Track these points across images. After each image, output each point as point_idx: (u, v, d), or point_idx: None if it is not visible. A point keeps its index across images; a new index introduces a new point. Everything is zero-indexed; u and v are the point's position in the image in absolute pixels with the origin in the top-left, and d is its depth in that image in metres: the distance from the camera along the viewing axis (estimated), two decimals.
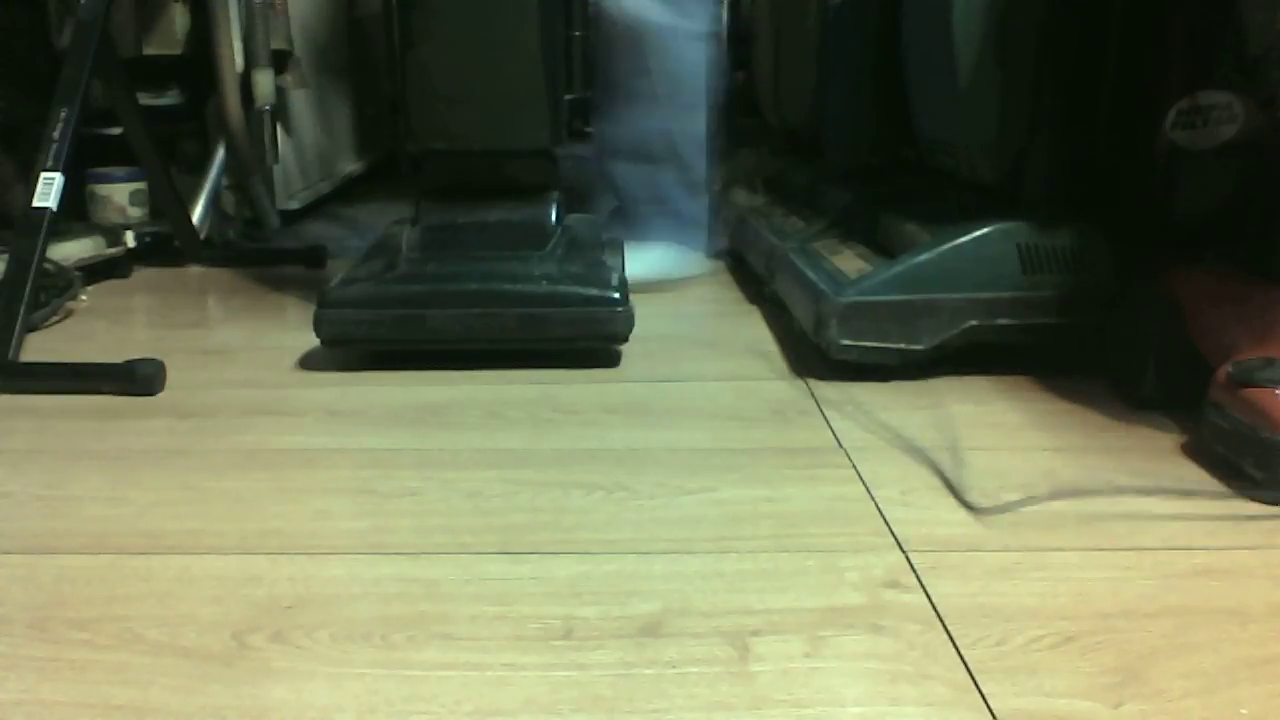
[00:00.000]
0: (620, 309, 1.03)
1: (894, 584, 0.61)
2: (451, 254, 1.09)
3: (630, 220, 1.51)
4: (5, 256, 1.12)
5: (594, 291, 1.04)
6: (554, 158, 1.17)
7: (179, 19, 1.61)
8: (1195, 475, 0.77)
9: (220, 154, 1.56)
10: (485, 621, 0.57)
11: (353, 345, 1.05)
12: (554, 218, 1.15)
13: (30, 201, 1.14)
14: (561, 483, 0.76)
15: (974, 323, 0.96)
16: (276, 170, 1.78)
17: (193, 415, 0.91)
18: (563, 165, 1.19)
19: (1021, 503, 0.71)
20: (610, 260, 1.14)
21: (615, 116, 1.47)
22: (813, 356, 1.03)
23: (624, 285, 1.07)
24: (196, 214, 1.55)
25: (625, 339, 1.05)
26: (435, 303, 1.03)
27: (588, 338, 1.04)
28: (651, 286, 1.37)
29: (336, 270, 1.52)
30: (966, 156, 1.06)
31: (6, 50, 1.55)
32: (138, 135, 1.41)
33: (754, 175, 1.74)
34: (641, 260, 1.38)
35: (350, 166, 2.28)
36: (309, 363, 1.06)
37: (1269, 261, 0.86)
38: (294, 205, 1.88)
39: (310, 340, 1.09)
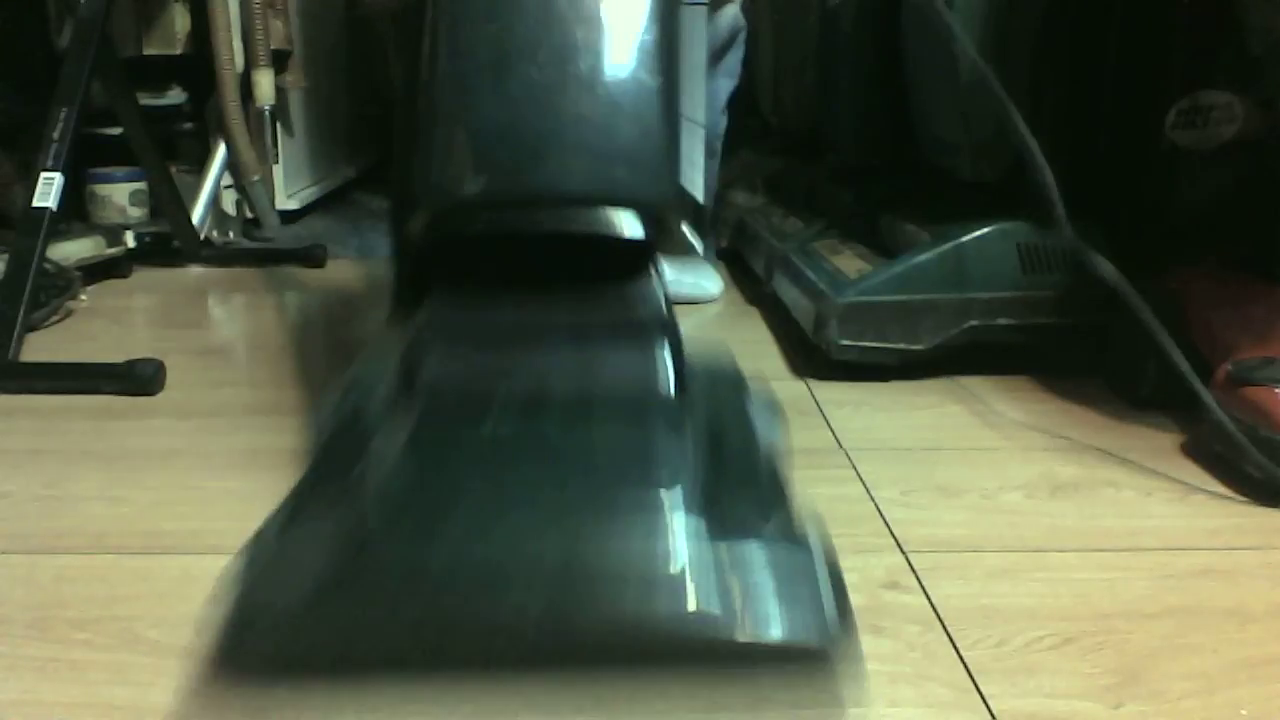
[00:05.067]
0: (842, 658, 0.44)
1: (894, 585, 0.61)
2: (479, 521, 0.47)
3: None
4: (5, 256, 1.12)
5: (795, 640, 0.44)
6: (656, 257, 0.64)
7: (179, 19, 1.61)
8: (1195, 475, 0.77)
9: (220, 154, 1.56)
10: None
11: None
12: (681, 390, 0.55)
13: (30, 201, 1.14)
14: None
15: (974, 323, 0.96)
16: (276, 170, 1.78)
17: (193, 415, 0.91)
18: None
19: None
20: (790, 494, 0.53)
21: None
22: (813, 356, 1.03)
23: (845, 596, 0.46)
24: (196, 214, 1.55)
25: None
26: (449, 652, 0.46)
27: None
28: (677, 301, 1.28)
29: (337, 271, 1.52)
30: (967, 156, 1.06)
31: (6, 50, 1.54)
32: (138, 135, 1.41)
33: (754, 175, 1.74)
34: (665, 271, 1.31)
35: (350, 166, 2.28)
36: (309, 363, 1.06)
37: (1269, 261, 0.86)
38: (294, 205, 1.88)
39: (310, 340, 1.09)
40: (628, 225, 0.63)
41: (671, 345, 0.57)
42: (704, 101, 0.70)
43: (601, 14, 0.60)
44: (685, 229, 0.64)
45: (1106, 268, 0.79)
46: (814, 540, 0.49)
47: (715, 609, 0.44)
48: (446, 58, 0.61)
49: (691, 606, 0.44)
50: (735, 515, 0.48)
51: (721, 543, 0.46)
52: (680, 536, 0.46)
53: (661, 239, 0.63)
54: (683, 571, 0.44)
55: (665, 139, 0.60)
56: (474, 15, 0.60)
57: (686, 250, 0.68)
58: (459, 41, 0.61)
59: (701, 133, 0.69)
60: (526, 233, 0.62)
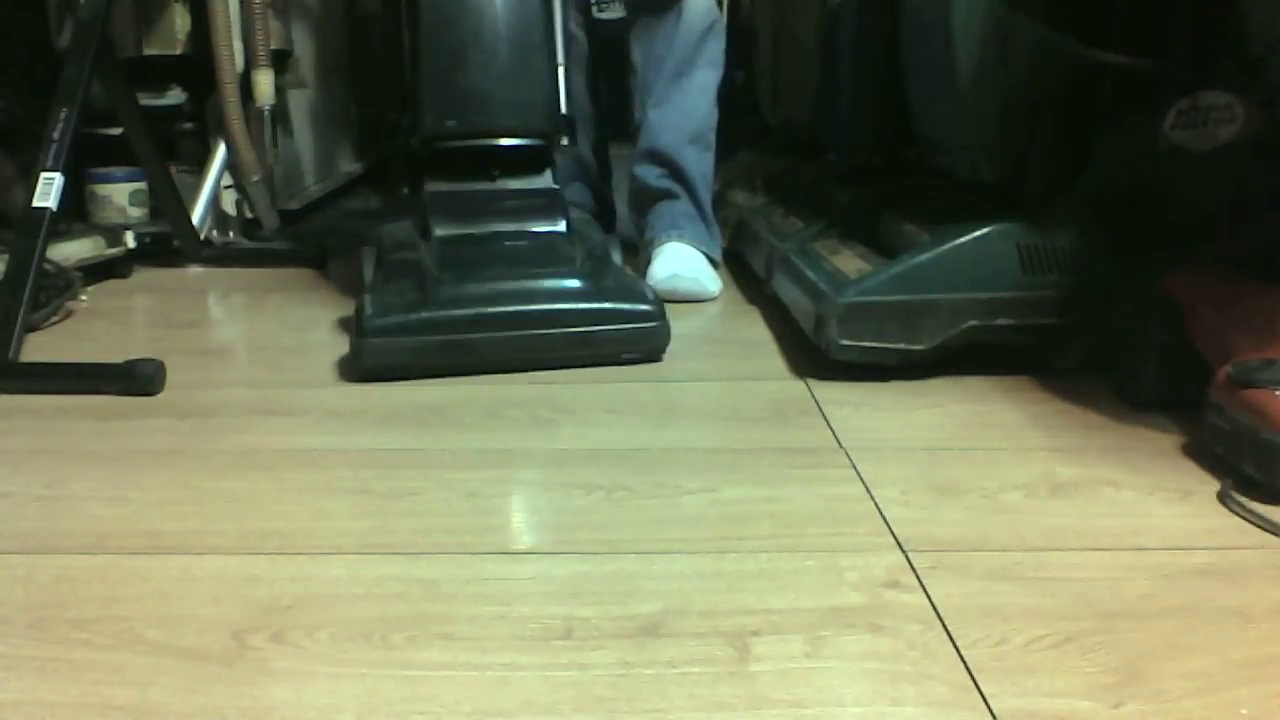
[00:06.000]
0: (661, 322, 1.05)
1: (894, 584, 0.61)
2: (484, 273, 1.05)
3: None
4: (5, 256, 1.12)
5: (637, 307, 1.05)
6: (555, 158, 1.17)
7: (179, 19, 1.61)
8: (1195, 475, 0.77)
9: (220, 154, 1.56)
10: (485, 621, 0.57)
11: (395, 375, 0.99)
12: (570, 228, 1.14)
13: (30, 201, 1.14)
14: (561, 483, 0.76)
15: (974, 323, 0.96)
16: (276, 170, 1.78)
17: (193, 415, 0.91)
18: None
19: None
20: (626, 267, 1.15)
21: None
22: (813, 356, 1.03)
23: (658, 298, 1.08)
24: (196, 214, 1.55)
25: (664, 352, 1.07)
26: (481, 327, 1.00)
27: (632, 351, 1.05)
28: (674, 299, 1.26)
29: (337, 271, 1.52)
30: (966, 156, 1.06)
31: (6, 50, 1.54)
32: (138, 135, 1.41)
33: (754, 175, 1.74)
34: (665, 267, 1.32)
35: (350, 166, 2.28)
36: (309, 363, 1.06)
37: (1269, 262, 0.86)
38: (294, 205, 1.88)
39: (310, 340, 1.09)
40: (533, 141, 1.18)
41: (564, 208, 1.16)
42: (564, 48, 1.22)
43: (513, 16, 1.15)
44: (564, 138, 1.22)
45: None
46: (646, 286, 1.11)
47: (601, 302, 1.04)
48: (426, 47, 1.14)
49: (588, 300, 1.04)
50: (604, 278, 1.08)
51: (598, 281, 1.06)
52: (578, 280, 1.05)
53: (553, 147, 1.20)
54: (583, 290, 1.05)
55: (552, 89, 1.19)
56: (441, 20, 1.14)
57: (564, 147, 1.23)
58: (435, 36, 1.14)
59: (568, 74, 1.23)
60: (478, 148, 1.16)
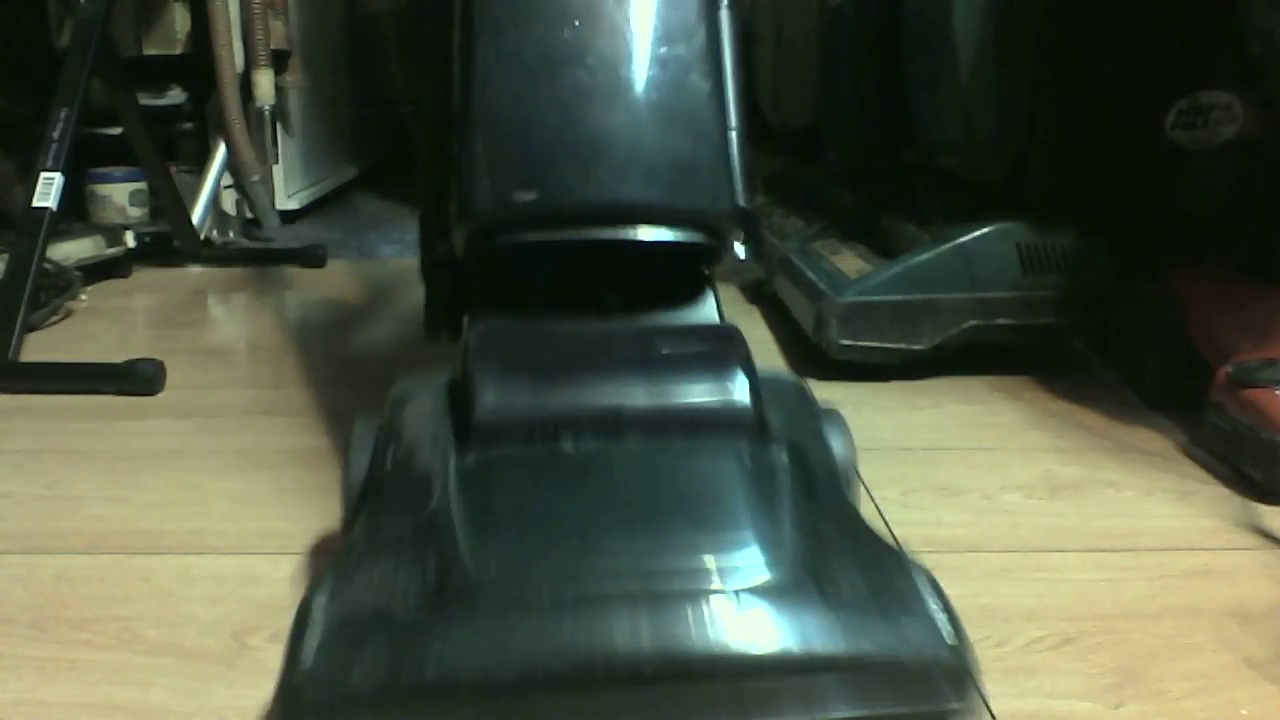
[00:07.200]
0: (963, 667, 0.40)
1: None
2: (571, 575, 0.41)
3: None
4: (5, 256, 1.12)
5: (926, 646, 0.41)
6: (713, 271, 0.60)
7: (179, 19, 1.61)
8: (1195, 475, 0.77)
9: (220, 154, 1.56)
10: None
11: None
12: (763, 431, 0.49)
13: (30, 201, 1.14)
14: None
15: (974, 323, 0.96)
16: (276, 170, 1.78)
17: (193, 415, 0.91)
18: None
19: None
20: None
21: None
22: (813, 356, 1.03)
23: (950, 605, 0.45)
24: (196, 214, 1.55)
25: None
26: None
27: None
28: None
29: (337, 271, 1.52)
30: (967, 156, 1.06)
31: (6, 50, 1.54)
32: (138, 135, 1.41)
33: (754, 175, 1.74)
34: None
35: (351, 166, 2.28)
36: (309, 363, 1.06)
37: (1269, 262, 0.86)
38: (294, 205, 1.88)
39: (310, 340, 1.08)
40: (685, 238, 0.56)
41: (747, 371, 0.50)
42: (741, 106, 0.62)
43: (648, 16, 0.56)
44: (737, 242, 0.60)
45: None
46: (912, 560, 0.46)
47: (828, 634, 0.40)
48: (486, 63, 0.56)
49: (806, 632, 0.40)
50: (833, 543, 0.46)
51: (824, 571, 0.43)
52: (780, 566, 0.42)
53: (715, 252, 0.58)
54: (791, 599, 0.41)
55: (721, 148, 0.58)
56: (515, 17, 0.56)
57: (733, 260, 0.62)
58: (501, 45, 0.56)
59: (744, 140, 0.62)
60: (579, 246, 0.55)
